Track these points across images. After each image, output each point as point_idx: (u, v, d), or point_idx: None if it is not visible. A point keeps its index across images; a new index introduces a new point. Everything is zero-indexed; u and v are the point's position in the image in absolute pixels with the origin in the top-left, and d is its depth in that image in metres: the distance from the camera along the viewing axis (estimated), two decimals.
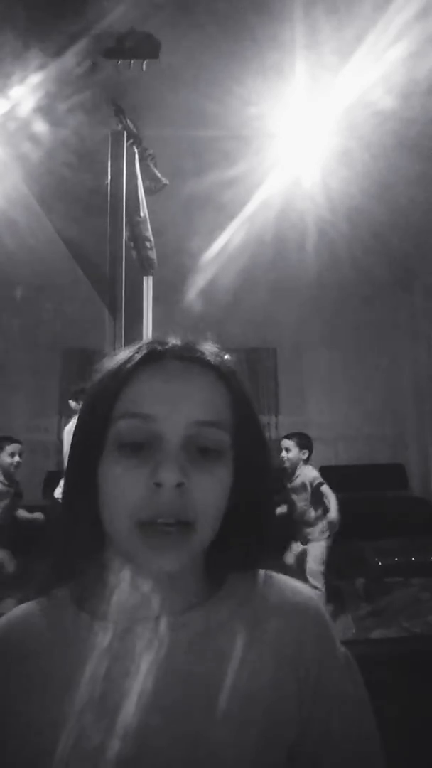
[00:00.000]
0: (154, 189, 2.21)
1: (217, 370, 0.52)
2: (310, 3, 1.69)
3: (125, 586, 0.50)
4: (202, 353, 0.53)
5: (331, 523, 2.66)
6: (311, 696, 0.51)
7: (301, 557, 2.75)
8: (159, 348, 0.52)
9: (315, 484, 2.76)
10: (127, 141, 1.72)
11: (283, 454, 2.85)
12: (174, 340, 0.54)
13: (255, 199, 2.75)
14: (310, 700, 0.51)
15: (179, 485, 0.46)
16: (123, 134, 1.71)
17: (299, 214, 2.96)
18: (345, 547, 3.53)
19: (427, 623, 2.56)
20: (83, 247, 1.75)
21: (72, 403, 2.99)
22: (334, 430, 4.31)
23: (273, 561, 0.59)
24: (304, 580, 2.51)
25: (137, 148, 1.91)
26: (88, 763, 0.45)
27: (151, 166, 2.11)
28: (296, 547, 2.82)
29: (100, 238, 1.64)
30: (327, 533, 2.72)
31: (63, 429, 3.52)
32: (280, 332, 4.59)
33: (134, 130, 1.86)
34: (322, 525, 2.71)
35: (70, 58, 1.45)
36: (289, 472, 2.84)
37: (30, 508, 3.91)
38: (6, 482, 3.01)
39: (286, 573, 0.59)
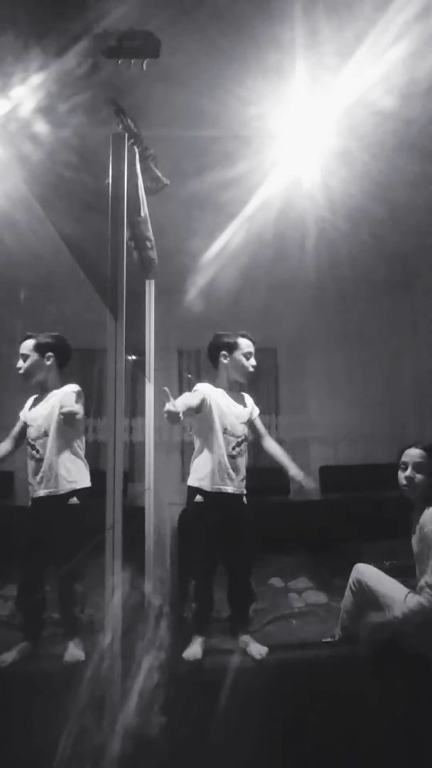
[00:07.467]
0: (155, 189, 2.21)
1: None
2: (310, 3, 1.69)
3: None
4: None
5: None
6: None
7: None
8: None
9: None
10: (128, 141, 1.71)
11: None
12: None
13: (255, 199, 2.75)
14: None
15: None
16: (124, 134, 1.71)
17: (299, 214, 2.96)
18: (344, 548, 3.52)
19: None
20: (84, 247, 1.75)
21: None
22: (334, 430, 4.32)
23: None
24: None
25: (138, 148, 1.91)
26: None
27: (152, 166, 2.11)
28: None
29: (101, 239, 1.64)
30: None
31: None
32: (280, 332, 4.59)
33: (135, 129, 1.86)
34: None
35: (70, 58, 1.45)
36: None
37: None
38: None
39: None
